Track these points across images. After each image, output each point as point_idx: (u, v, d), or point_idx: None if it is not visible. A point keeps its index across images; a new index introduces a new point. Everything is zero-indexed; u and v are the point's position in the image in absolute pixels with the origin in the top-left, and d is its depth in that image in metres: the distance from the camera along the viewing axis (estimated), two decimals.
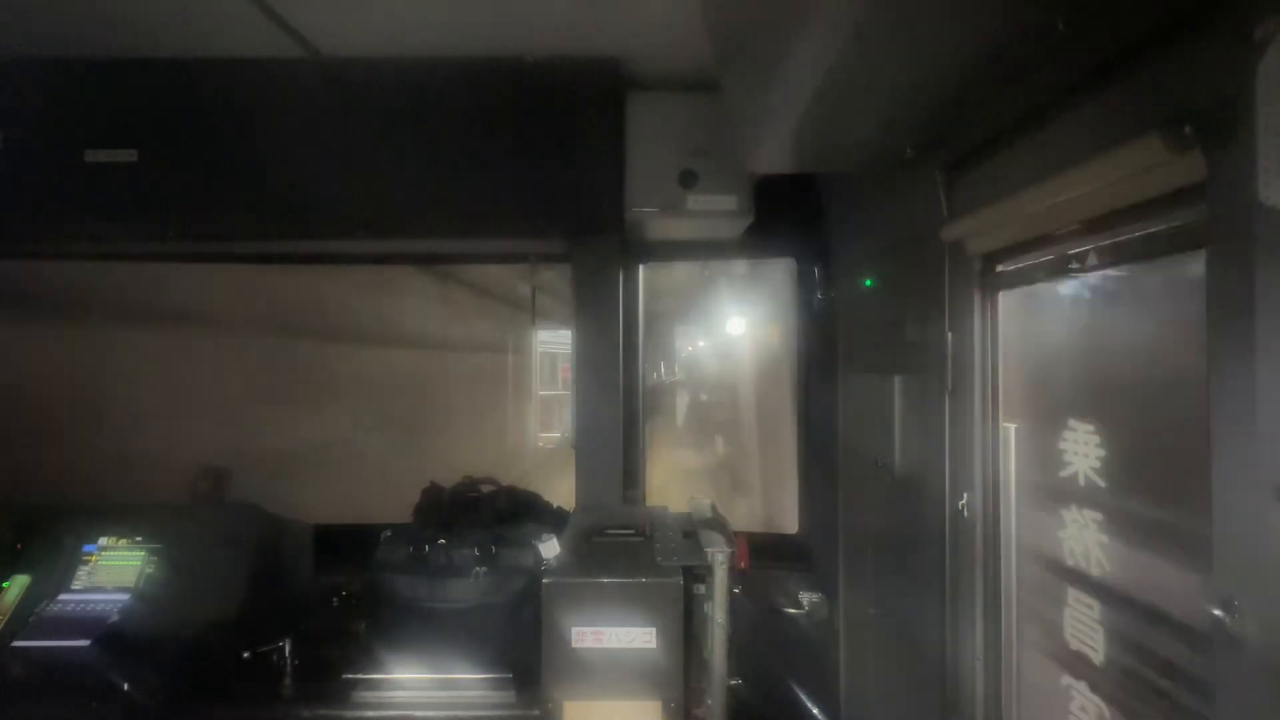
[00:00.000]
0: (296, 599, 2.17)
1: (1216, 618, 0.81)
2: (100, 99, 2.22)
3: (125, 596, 1.95)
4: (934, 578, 1.63)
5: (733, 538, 1.66)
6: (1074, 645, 1.21)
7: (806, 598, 2.44)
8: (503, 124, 2.21)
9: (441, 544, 1.97)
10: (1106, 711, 1.15)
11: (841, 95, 1.27)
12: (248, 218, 2.23)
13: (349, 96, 2.21)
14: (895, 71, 1.18)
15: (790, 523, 2.72)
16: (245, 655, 1.92)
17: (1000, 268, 1.42)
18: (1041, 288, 1.34)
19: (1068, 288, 1.26)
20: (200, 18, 1.97)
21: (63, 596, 1.96)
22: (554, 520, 2.12)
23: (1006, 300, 1.43)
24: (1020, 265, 1.37)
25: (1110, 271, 1.13)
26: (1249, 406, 0.78)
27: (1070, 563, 1.21)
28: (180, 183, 2.22)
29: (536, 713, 1.56)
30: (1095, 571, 1.16)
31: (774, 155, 1.75)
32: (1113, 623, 1.13)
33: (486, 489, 2.23)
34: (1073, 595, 1.21)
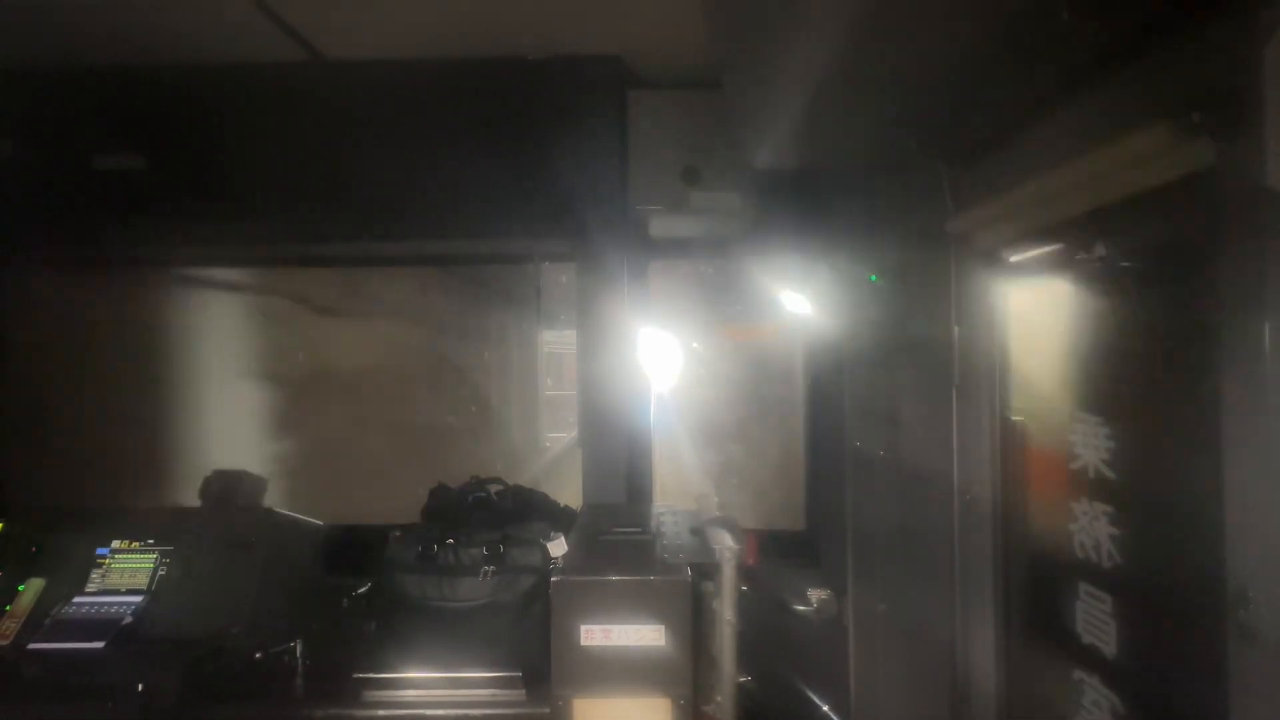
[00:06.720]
0: (307, 600, 2.18)
1: (1230, 609, 0.81)
2: (107, 106, 2.24)
3: (138, 598, 1.97)
4: (943, 573, 1.62)
5: (740, 535, 1.66)
6: (1086, 639, 1.20)
7: (815, 594, 2.43)
8: (505, 124, 2.22)
9: (450, 544, 1.98)
10: (1119, 705, 1.14)
11: (843, 90, 1.26)
12: (255, 221, 2.25)
13: (353, 99, 2.22)
14: (897, 64, 1.18)
15: (797, 519, 2.72)
16: (257, 656, 1.93)
17: (1006, 260, 1.41)
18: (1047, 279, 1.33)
19: (1074, 278, 1.25)
20: (205, 24, 1.98)
21: (77, 599, 1.98)
22: (562, 519, 2.12)
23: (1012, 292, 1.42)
24: (1026, 257, 1.36)
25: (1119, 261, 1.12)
26: (1260, 395, 0.77)
27: (1081, 555, 1.20)
28: (187, 188, 2.23)
29: (546, 710, 1.57)
30: (1106, 564, 1.15)
31: (777, 151, 1.75)
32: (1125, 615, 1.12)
33: (494, 489, 2.24)
34: (1084, 588, 1.20)
